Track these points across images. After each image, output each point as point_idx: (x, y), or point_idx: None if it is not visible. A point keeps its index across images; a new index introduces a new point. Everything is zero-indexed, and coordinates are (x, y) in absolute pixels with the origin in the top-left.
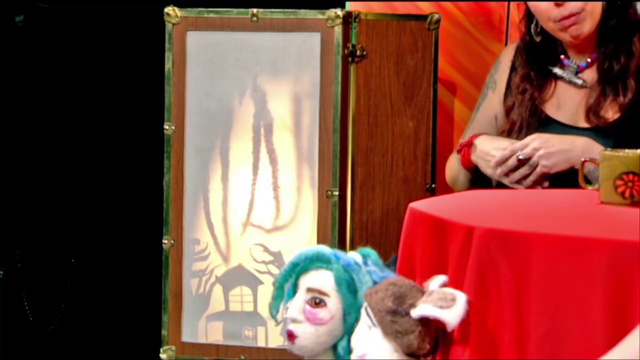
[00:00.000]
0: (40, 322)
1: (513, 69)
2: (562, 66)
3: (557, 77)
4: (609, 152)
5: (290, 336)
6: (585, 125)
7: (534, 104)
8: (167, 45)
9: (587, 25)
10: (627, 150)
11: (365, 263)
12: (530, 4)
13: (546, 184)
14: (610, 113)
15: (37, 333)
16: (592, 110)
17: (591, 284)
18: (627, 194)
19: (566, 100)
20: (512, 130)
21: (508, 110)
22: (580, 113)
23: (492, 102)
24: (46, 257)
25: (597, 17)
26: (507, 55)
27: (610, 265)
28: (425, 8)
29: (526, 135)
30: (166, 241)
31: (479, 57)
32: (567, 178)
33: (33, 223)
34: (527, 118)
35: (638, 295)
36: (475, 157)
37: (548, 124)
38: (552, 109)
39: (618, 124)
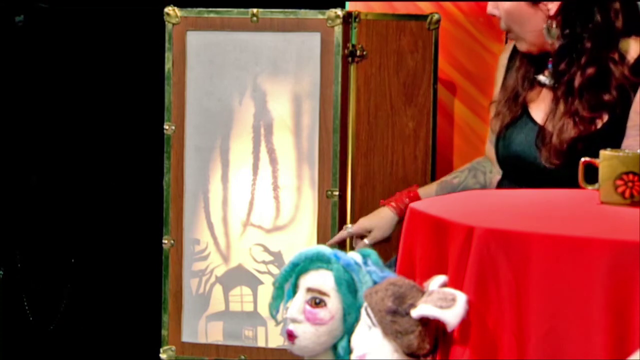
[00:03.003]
0: (40, 322)
1: (509, 67)
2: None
3: (541, 85)
4: (609, 152)
5: (290, 336)
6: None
7: (520, 101)
8: (167, 45)
9: (524, 46)
10: (627, 150)
11: (365, 263)
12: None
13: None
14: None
15: (37, 333)
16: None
17: (591, 284)
18: (627, 194)
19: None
20: (496, 124)
21: (498, 101)
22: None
23: (495, 95)
24: (46, 257)
25: (530, 38)
26: (504, 54)
27: (610, 265)
28: (425, 8)
29: (505, 127)
30: (166, 241)
31: (479, 57)
32: (567, 178)
33: (33, 223)
34: (508, 111)
35: (638, 295)
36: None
37: (526, 124)
38: (534, 109)
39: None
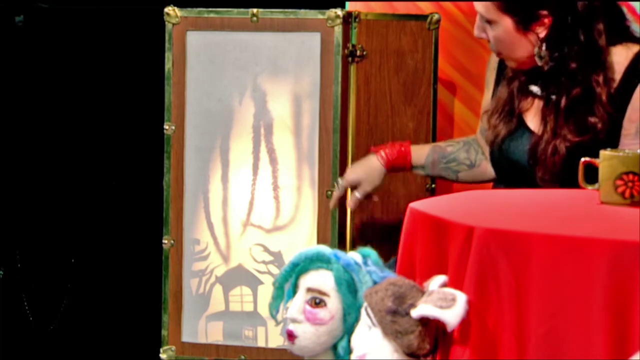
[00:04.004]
0: (40, 322)
1: (500, 73)
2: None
3: (534, 96)
4: (609, 152)
5: (290, 336)
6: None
7: (515, 114)
8: (167, 45)
9: (513, 64)
10: (627, 150)
11: (365, 263)
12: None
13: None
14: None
15: (37, 333)
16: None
17: (591, 284)
18: (627, 194)
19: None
20: (491, 135)
21: (491, 112)
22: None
23: (486, 100)
24: (46, 257)
25: (520, 59)
26: (495, 56)
27: (610, 265)
28: (425, 8)
29: (501, 139)
30: (166, 241)
31: (479, 57)
32: (567, 178)
33: (33, 223)
34: (504, 123)
35: (638, 295)
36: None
37: (523, 133)
38: (529, 118)
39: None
